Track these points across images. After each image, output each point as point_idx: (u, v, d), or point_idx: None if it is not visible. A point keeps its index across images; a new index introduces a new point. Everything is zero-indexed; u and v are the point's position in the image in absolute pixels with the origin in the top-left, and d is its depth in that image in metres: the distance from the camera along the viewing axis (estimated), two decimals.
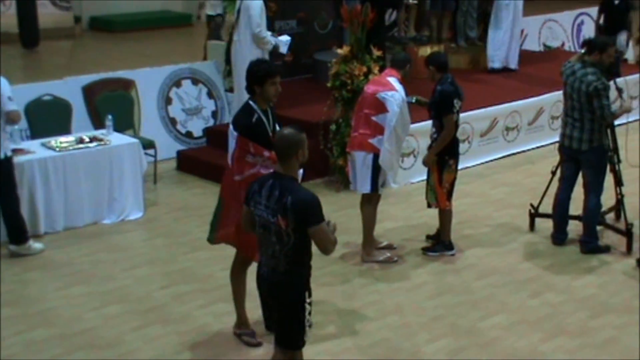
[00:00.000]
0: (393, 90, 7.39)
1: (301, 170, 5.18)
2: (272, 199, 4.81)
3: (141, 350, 6.22)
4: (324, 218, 4.80)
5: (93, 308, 6.85)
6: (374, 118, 7.44)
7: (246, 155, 5.90)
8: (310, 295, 5.00)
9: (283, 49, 10.02)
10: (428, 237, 8.13)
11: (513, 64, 12.97)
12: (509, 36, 12.81)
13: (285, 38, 10.06)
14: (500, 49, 12.85)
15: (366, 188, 7.56)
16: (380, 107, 7.40)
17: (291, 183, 4.84)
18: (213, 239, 6.38)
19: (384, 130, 7.37)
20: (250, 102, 6.00)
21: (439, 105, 7.56)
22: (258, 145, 5.88)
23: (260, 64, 6.13)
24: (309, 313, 5.00)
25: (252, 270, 7.46)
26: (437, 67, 7.59)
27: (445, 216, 7.82)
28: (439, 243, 7.90)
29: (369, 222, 7.67)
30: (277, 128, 5.95)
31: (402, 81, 7.52)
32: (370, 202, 7.65)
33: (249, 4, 9.57)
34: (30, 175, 8.13)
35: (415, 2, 12.32)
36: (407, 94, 7.52)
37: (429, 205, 7.89)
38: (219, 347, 6.27)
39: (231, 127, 6.04)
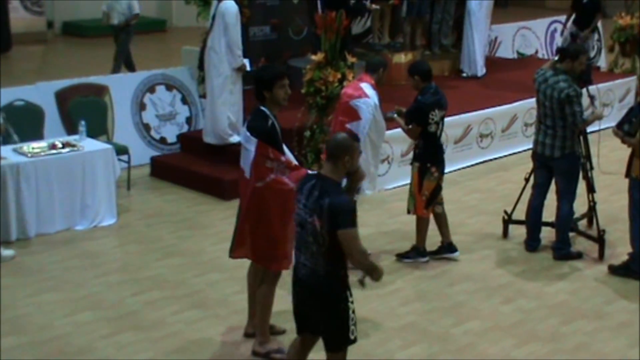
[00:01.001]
0: (365, 97, 7.39)
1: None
2: (311, 199, 4.88)
3: (113, 358, 6.16)
4: (355, 224, 4.84)
5: (64, 315, 6.79)
6: (347, 125, 7.44)
7: (265, 161, 5.80)
8: (352, 294, 5.04)
9: (248, 68, 9.94)
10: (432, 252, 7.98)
11: (480, 72, 13.06)
12: (475, 44, 12.92)
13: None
14: (469, 56, 12.99)
15: None
16: (354, 114, 7.41)
17: (332, 186, 4.88)
18: (231, 252, 6.21)
19: (358, 137, 7.37)
20: (262, 108, 5.91)
21: (412, 113, 7.58)
22: (275, 150, 5.84)
23: (266, 69, 6.11)
24: (353, 311, 5.05)
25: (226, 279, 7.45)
26: (421, 76, 7.56)
27: (421, 224, 7.81)
28: (413, 249, 7.91)
29: None
30: None
31: (376, 86, 7.52)
32: None
33: (225, 10, 9.54)
34: (1, 181, 8.05)
35: (377, 7, 12.32)
36: (380, 100, 7.52)
37: (408, 212, 7.88)
38: (192, 354, 6.23)
39: (247, 133, 5.89)
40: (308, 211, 4.90)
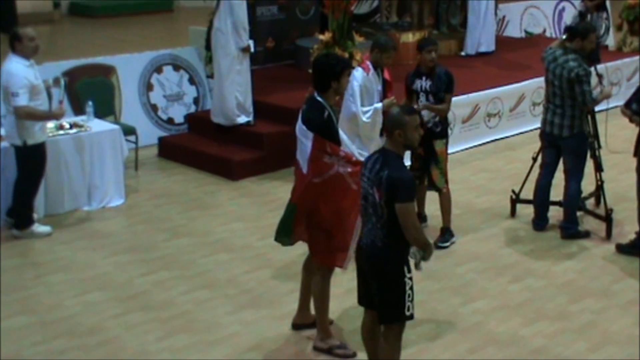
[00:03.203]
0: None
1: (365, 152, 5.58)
2: (373, 171, 5.00)
3: (122, 337, 6.20)
4: (413, 199, 4.95)
5: (73, 295, 6.83)
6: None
7: (323, 157, 5.63)
8: (410, 270, 5.08)
9: (252, 49, 9.91)
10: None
11: (489, 47, 12.99)
12: (482, 21, 12.86)
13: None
14: (473, 34, 12.91)
15: None
16: None
17: (393, 158, 4.98)
18: (289, 240, 5.98)
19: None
20: (319, 99, 5.71)
21: (449, 85, 7.57)
22: (333, 144, 5.68)
23: (333, 58, 5.91)
24: (410, 288, 5.09)
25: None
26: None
27: (448, 201, 7.77)
28: (447, 232, 7.78)
29: None
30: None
31: (369, 66, 7.49)
32: None
33: None
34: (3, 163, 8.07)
35: None
36: (369, 79, 7.46)
37: (441, 191, 7.76)
38: (201, 334, 6.26)
39: (303, 127, 5.70)
40: (370, 183, 5.01)
